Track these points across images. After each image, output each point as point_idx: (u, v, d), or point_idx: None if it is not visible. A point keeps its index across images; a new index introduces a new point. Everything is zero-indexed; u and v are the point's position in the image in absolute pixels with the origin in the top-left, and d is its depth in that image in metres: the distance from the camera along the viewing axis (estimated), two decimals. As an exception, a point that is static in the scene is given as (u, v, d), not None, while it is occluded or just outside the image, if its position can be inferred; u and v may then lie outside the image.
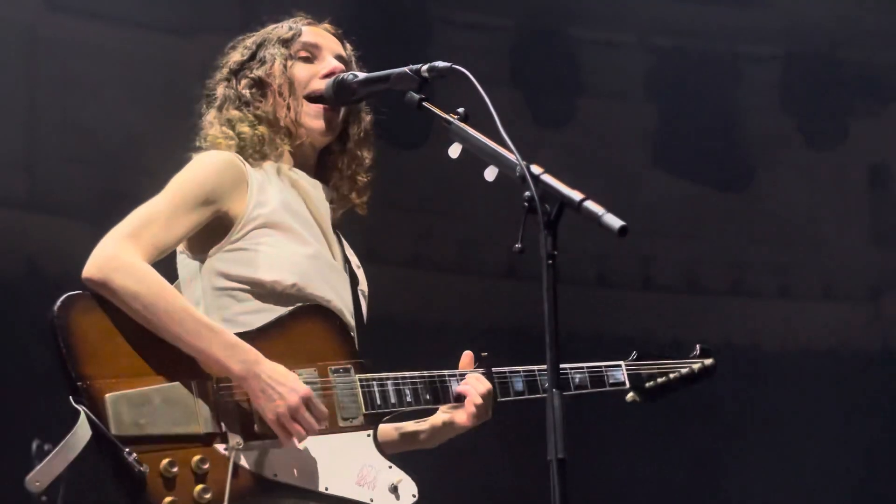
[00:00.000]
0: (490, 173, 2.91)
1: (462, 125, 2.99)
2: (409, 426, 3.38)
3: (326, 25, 3.42)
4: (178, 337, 3.00)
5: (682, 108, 9.67)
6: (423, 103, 3.06)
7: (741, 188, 10.31)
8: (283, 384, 2.99)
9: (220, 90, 3.34)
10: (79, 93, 8.82)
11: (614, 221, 2.61)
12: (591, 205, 2.65)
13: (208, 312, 3.16)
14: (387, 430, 3.36)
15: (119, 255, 3.04)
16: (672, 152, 9.85)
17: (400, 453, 3.33)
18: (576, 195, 2.67)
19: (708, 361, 3.77)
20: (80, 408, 2.96)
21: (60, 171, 8.80)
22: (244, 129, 3.24)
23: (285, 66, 3.29)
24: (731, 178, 10.07)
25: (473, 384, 3.25)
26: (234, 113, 3.28)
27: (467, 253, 10.08)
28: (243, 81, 3.30)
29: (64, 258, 8.50)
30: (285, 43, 3.32)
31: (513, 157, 2.80)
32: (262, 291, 3.15)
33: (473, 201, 9.98)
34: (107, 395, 2.96)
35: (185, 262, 3.24)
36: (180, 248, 3.24)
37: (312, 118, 3.29)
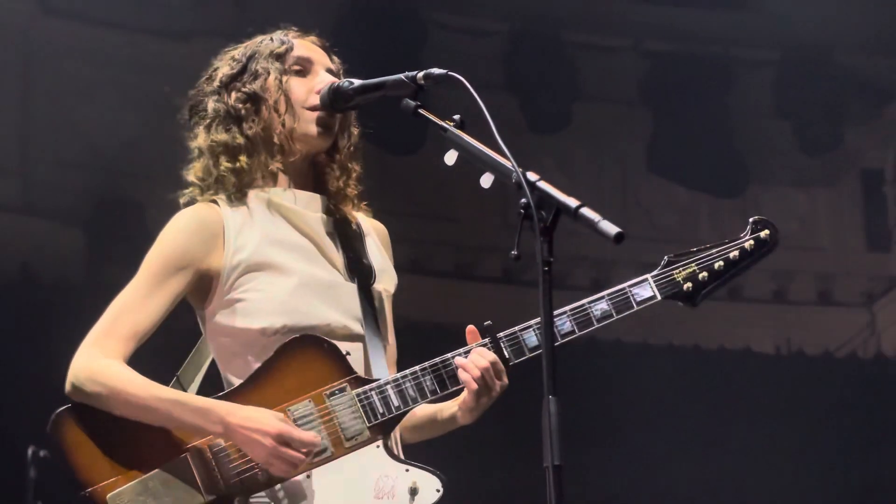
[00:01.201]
0: (486, 180, 2.89)
1: (458, 132, 2.96)
2: (444, 408, 3.33)
3: (314, 38, 3.39)
4: (154, 420, 3.09)
5: (676, 114, 9.68)
6: (419, 110, 3.04)
7: (736, 193, 10.33)
8: (255, 429, 3.01)
9: (210, 105, 3.29)
10: (73, 97, 8.82)
11: (610, 228, 2.59)
12: (587, 211, 2.63)
13: (225, 370, 3.23)
14: (430, 412, 3.31)
15: (87, 364, 3.11)
16: (667, 157, 9.86)
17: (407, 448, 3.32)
18: (572, 202, 2.65)
19: (764, 233, 3.19)
20: None
21: (54, 175, 8.80)
22: (225, 164, 3.21)
23: (281, 81, 3.26)
24: (726, 183, 10.08)
25: (473, 360, 3.19)
26: (222, 136, 3.23)
27: (463, 259, 10.09)
28: (234, 95, 3.25)
29: (58, 262, 8.54)
30: (279, 57, 3.28)
31: (509, 163, 2.78)
32: (258, 339, 3.15)
33: (469, 208, 9.99)
34: (108, 497, 3.06)
35: (199, 320, 3.29)
36: (195, 306, 3.27)
37: (308, 123, 3.25)
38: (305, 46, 3.34)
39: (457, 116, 3.00)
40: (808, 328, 10.48)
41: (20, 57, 8.81)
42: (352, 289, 3.25)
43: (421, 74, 3.04)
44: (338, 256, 3.26)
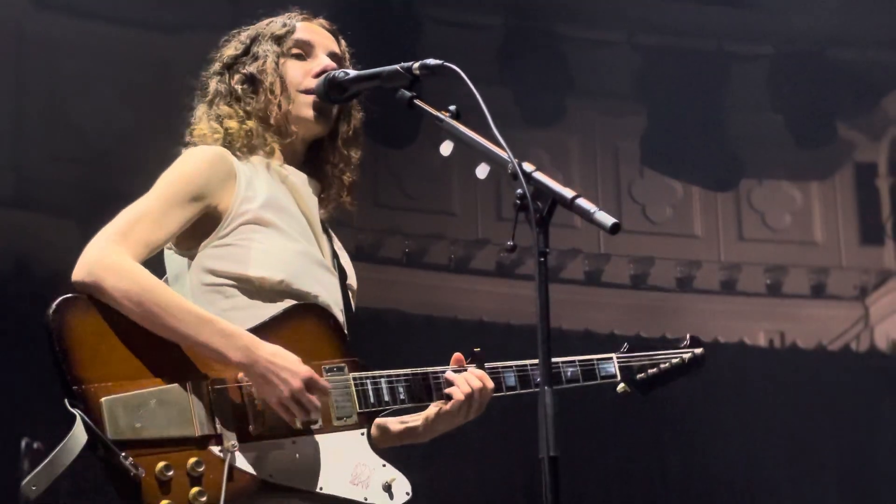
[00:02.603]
0: (482, 171, 2.89)
1: (454, 123, 2.97)
2: (404, 420, 3.36)
3: (322, 21, 3.40)
4: (174, 330, 2.99)
5: (670, 108, 9.67)
6: (415, 101, 3.05)
7: (730, 187, 10.34)
8: (284, 368, 2.98)
9: (213, 84, 3.32)
10: (67, 91, 8.81)
11: (606, 219, 2.60)
12: (582, 202, 2.64)
13: (201, 307, 3.15)
14: (381, 424, 3.35)
15: (107, 256, 3.00)
16: (661, 151, 9.86)
17: (392, 450, 3.33)
18: (568, 192, 2.66)
19: (698, 351, 3.71)
20: (76, 412, 2.93)
21: (49, 169, 8.79)
22: (232, 124, 3.22)
23: (277, 64, 3.27)
24: (720, 177, 10.08)
25: (467, 379, 3.23)
26: (224, 108, 3.26)
27: (457, 252, 10.09)
28: (235, 77, 3.28)
29: (53, 256, 8.52)
30: (278, 40, 3.29)
31: (505, 154, 2.79)
32: (250, 287, 3.13)
33: (463, 201, 9.99)
34: (103, 399, 2.93)
35: (172, 259, 3.22)
36: (168, 244, 3.23)
37: (303, 107, 3.27)
38: (308, 29, 3.35)
39: (452, 107, 3.00)
40: (802, 322, 10.49)
41: (13, 51, 8.80)
42: (336, 277, 3.28)
43: (417, 65, 3.04)
44: (325, 243, 3.29)
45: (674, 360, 3.69)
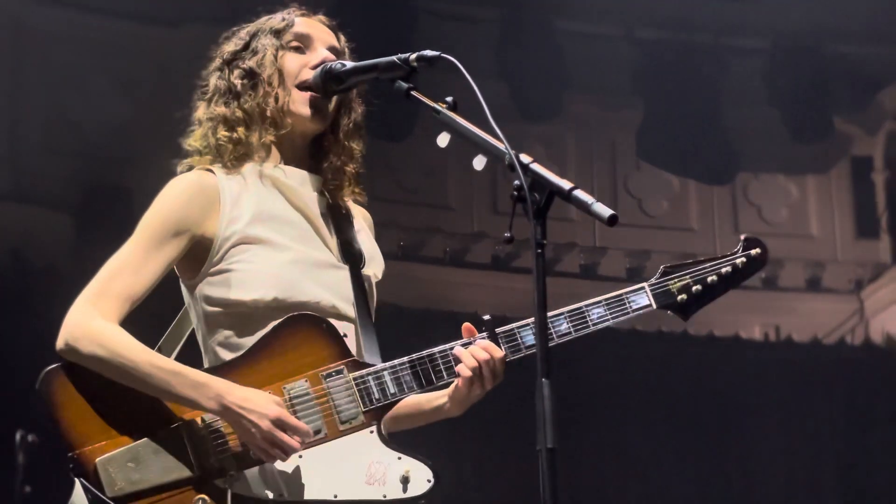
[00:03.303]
0: (479, 162, 2.88)
1: (451, 114, 2.97)
2: (435, 397, 3.33)
3: (321, 17, 3.40)
4: (149, 389, 3.04)
5: (667, 102, 9.67)
6: (412, 92, 3.04)
7: (726, 180, 10.33)
8: (252, 411, 2.98)
9: (213, 81, 3.31)
10: (63, 84, 8.80)
11: (603, 210, 2.60)
12: (580, 194, 2.63)
13: (206, 339, 3.20)
14: (415, 402, 3.31)
15: (82, 323, 3.06)
16: (657, 145, 9.86)
17: (401, 436, 3.31)
18: (565, 184, 2.65)
19: (755, 252, 3.27)
20: (75, 478, 3.01)
21: (44, 162, 8.77)
22: (223, 133, 3.22)
23: (275, 57, 3.27)
24: (716, 171, 10.08)
25: (473, 353, 3.19)
26: (221, 109, 3.25)
27: (453, 245, 10.08)
28: (235, 72, 3.27)
29: (48, 250, 8.52)
30: (277, 33, 3.29)
31: (502, 145, 2.78)
32: (246, 311, 3.13)
33: (459, 195, 9.99)
34: (97, 461, 3.00)
35: (183, 290, 3.26)
36: (180, 275, 3.25)
37: (300, 104, 3.26)
38: (307, 24, 3.35)
39: (449, 99, 3.00)
40: (797, 315, 10.49)
41: (9, 43, 8.78)
42: (344, 271, 3.25)
43: (413, 56, 3.04)
44: (329, 238, 3.27)
45: (723, 270, 3.29)
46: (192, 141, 3.27)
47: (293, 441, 3.01)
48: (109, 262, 3.14)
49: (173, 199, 3.17)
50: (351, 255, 3.27)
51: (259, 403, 3.01)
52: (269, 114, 3.25)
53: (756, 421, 9.44)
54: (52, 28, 8.81)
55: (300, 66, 3.28)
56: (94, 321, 3.07)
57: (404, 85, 3.04)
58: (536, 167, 2.71)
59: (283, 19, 3.34)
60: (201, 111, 3.29)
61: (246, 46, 3.31)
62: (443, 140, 2.98)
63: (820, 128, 10.04)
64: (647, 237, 10.36)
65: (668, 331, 9.43)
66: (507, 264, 9.48)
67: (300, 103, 3.26)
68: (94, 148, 8.65)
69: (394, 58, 3.06)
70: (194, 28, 8.17)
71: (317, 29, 3.35)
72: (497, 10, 9.66)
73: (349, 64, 3.23)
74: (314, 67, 3.26)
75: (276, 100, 3.24)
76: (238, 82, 3.27)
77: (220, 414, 3.02)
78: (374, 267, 3.32)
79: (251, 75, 3.27)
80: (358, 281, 3.25)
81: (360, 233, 3.34)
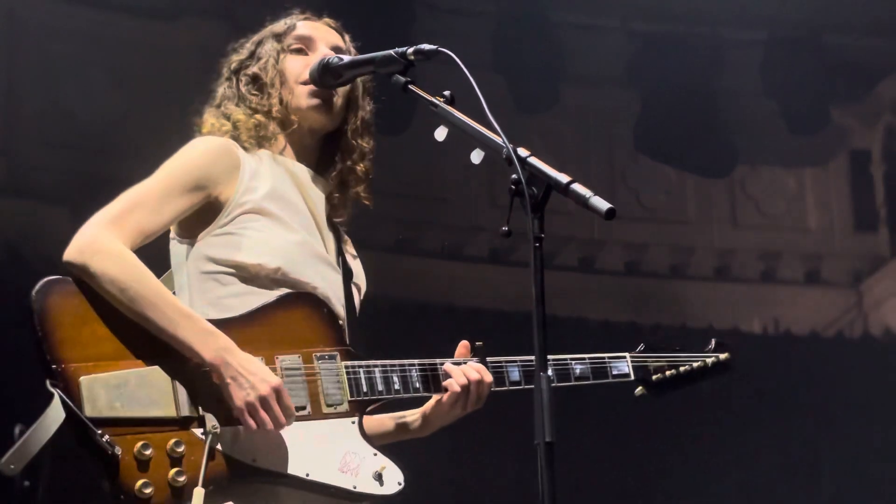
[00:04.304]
0: (476, 156, 2.90)
1: (448, 108, 2.98)
2: (401, 415, 3.37)
3: (326, 20, 3.44)
4: (152, 322, 3.00)
5: (664, 93, 9.66)
6: (409, 86, 3.06)
7: (723, 173, 10.32)
8: (254, 374, 2.99)
9: (221, 90, 3.37)
10: (59, 76, 8.78)
11: (601, 204, 2.61)
12: (578, 187, 2.65)
13: (193, 296, 3.18)
14: (378, 419, 3.35)
15: (99, 240, 3.03)
16: (654, 137, 9.85)
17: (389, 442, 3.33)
18: (563, 177, 2.66)
19: (723, 356, 3.64)
20: (55, 390, 2.95)
21: (40, 155, 8.76)
22: (240, 116, 3.26)
23: (277, 59, 3.31)
24: (714, 163, 10.07)
25: (465, 371, 3.24)
26: (231, 108, 3.31)
27: (450, 239, 10.08)
28: (243, 79, 3.33)
29: (44, 243, 8.49)
30: (278, 37, 3.35)
31: (499, 139, 2.79)
32: (247, 275, 3.15)
33: (457, 188, 9.98)
34: (82, 378, 2.96)
35: (175, 247, 3.25)
36: (171, 233, 3.24)
37: (302, 98, 3.30)
38: (309, 26, 3.40)
39: (447, 92, 3.02)
40: (796, 308, 10.49)
41: (5, 36, 8.76)
42: (338, 273, 3.29)
43: (411, 50, 3.06)
44: (331, 240, 3.31)
45: (695, 364, 3.61)
46: (208, 125, 3.30)
47: (282, 417, 3.00)
48: (128, 193, 3.13)
49: (200, 154, 3.20)
50: (343, 264, 3.32)
51: (263, 370, 3.03)
52: (275, 114, 3.29)
53: (754, 414, 9.43)
54: (48, 21, 8.79)
55: (302, 67, 3.32)
56: (113, 242, 3.04)
57: (402, 79, 3.07)
58: (534, 161, 2.72)
59: (286, 24, 3.39)
60: (210, 113, 3.32)
61: (251, 55, 3.36)
62: (440, 134, 2.99)
63: (818, 120, 10.02)
64: (645, 230, 10.36)
65: (668, 324, 9.43)
66: (506, 257, 9.48)
67: (302, 97, 3.31)
68: (91, 141, 8.63)
69: (391, 52, 3.08)
70: (191, 21, 8.17)
71: (319, 30, 3.39)
72: (494, 3, 9.65)
73: (346, 58, 3.26)
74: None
75: (281, 100, 3.29)
76: (245, 88, 3.31)
77: (216, 367, 3.01)
78: (361, 282, 3.38)
79: (255, 80, 3.32)
80: (348, 289, 3.29)
81: (347, 246, 3.40)
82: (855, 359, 9.96)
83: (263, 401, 3.00)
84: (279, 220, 3.20)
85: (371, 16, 8.26)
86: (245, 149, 3.26)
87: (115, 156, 8.46)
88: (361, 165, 3.38)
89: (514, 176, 2.68)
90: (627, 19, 9.93)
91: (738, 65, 9.82)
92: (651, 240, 10.35)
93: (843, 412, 9.58)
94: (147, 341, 3.03)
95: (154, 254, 3.20)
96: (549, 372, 3.19)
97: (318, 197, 3.32)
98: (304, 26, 3.39)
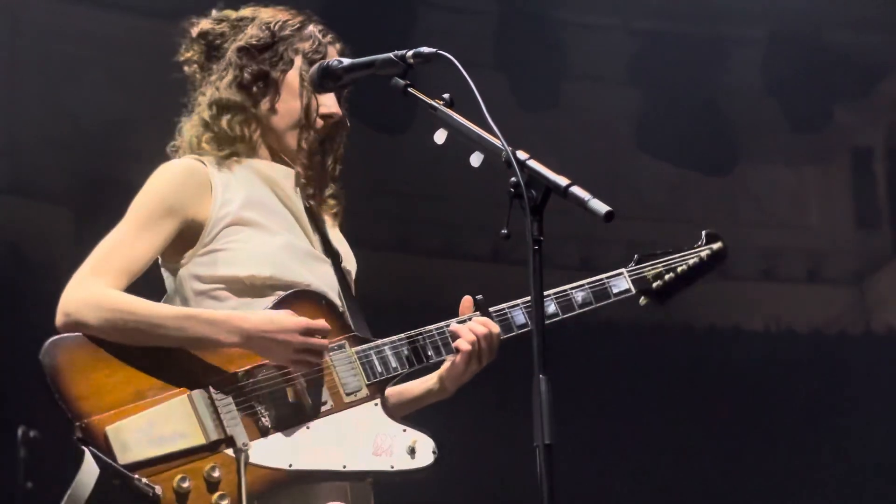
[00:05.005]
0: (475, 159, 2.91)
1: (447, 111, 2.98)
2: (422, 381, 3.39)
3: (335, 42, 3.40)
4: (163, 338, 3.05)
5: (665, 92, 9.67)
6: (409, 89, 3.06)
7: (725, 171, 10.32)
8: (278, 331, 3.04)
9: (229, 56, 3.31)
10: (61, 77, 8.79)
11: (600, 206, 2.61)
12: (577, 190, 2.65)
13: None
14: (399, 392, 3.37)
15: (79, 292, 3.07)
16: (656, 136, 9.86)
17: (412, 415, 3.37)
18: (562, 180, 2.67)
19: (716, 245, 3.56)
20: (84, 448, 2.99)
21: (43, 155, 8.77)
22: (224, 124, 3.25)
23: (304, 89, 3.28)
24: (715, 162, 10.08)
25: (471, 328, 3.26)
26: (234, 96, 3.26)
27: (452, 237, 10.09)
28: (254, 67, 3.29)
29: (47, 243, 8.52)
30: (311, 61, 3.29)
31: (498, 142, 2.79)
32: (241, 287, 3.17)
33: (458, 187, 9.99)
34: (107, 429, 3.00)
35: (166, 277, 3.28)
36: (160, 261, 3.26)
37: (300, 141, 3.30)
38: (330, 54, 3.36)
39: (446, 95, 3.02)
40: (798, 306, 10.50)
41: (8, 37, 8.78)
42: (327, 263, 3.30)
43: (410, 53, 3.05)
44: (312, 233, 3.32)
45: (691, 261, 3.56)
46: (187, 131, 3.30)
47: (322, 341, 3.08)
48: (104, 241, 3.17)
49: (166, 182, 3.21)
50: (330, 251, 3.34)
51: (280, 322, 3.07)
52: (273, 125, 3.29)
53: (757, 412, 9.44)
54: (50, 21, 8.80)
55: (315, 110, 3.32)
56: (92, 288, 3.07)
57: (401, 82, 3.07)
58: (533, 164, 2.73)
59: (316, 43, 3.34)
60: (210, 91, 3.30)
61: (268, 46, 3.32)
62: (440, 137, 3.00)
63: (820, 118, 10.03)
64: (646, 229, 10.35)
65: (669, 323, 9.44)
66: (507, 257, 9.48)
67: (301, 140, 3.30)
68: (93, 141, 8.65)
69: (391, 55, 3.08)
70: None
71: (333, 55, 3.36)
72: (495, 2, 9.66)
73: (346, 61, 3.25)
74: (323, 116, 3.30)
75: (283, 125, 3.29)
76: (252, 80, 3.29)
77: (243, 345, 3.06)
78: (350, 264, 3.40)
79: (269, 82, 3.30)
80: (340, 273, 3.32)
81: (333, 230, 3.41)
82: (857, 356, 9.96)
83: (300, 346, 3.05)
84: (260, 226, 3.21)
85: (372, 15, 8.28)
86: (218, 156, 3.26)
87: (116, 156, 8.48)
88: (331, 188, 3.41)
89: (512, 179, 2.69)
90: (629, 18, 9.93)
91: (739, 63, 9.82)
92: (653, 239, 10.33)
93: (846, 409, 9.59)
94: (162, 375, 3.08)
95: (149, 281, 3.24)
96: (553, 308, 3.26)
97: (294, 192, 3.33)
98: (330, 50, 3.36)
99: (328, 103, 3.32)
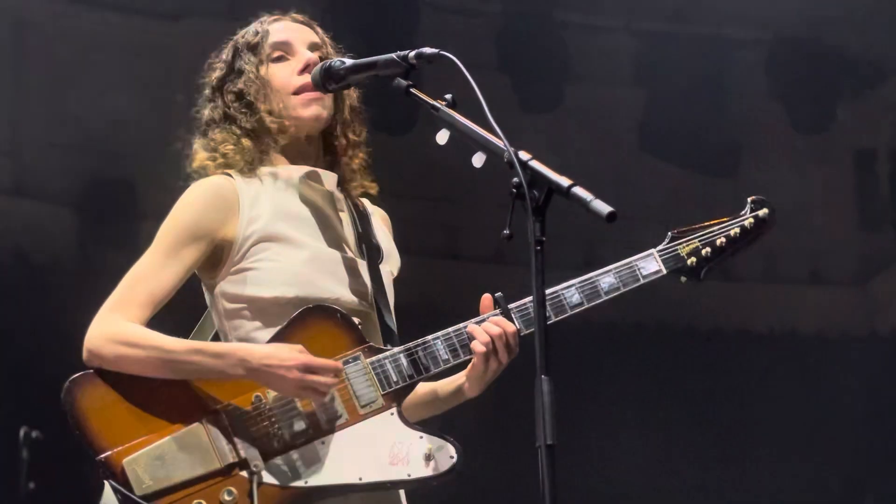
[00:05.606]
0: (478, 159, 2.91)
1: (450, 111, 2.99)
2: (452, 381, 3.39)
3: (294, 15, 3.43)
4: (177, 371, 3.12)
5: (668, 93, 9.66)
6: (411, 90, 3.07)
7: (728, 173, 10.32)
8: (277, 366, 3.06)
9: (206, 112, 3.39)
10: (64, 78, 8.79)
11: (603, 207, 2.62)
12: (579, 190, 2.66)
13: (227, 335, 3.29)
14: (429, 391, 3.37)
15: (101, 328, 3.16)
16: (659, 137, 9.86)
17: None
18: (564, 181, 2.68)
19: (762, 212, 3.37)
20: (105, 481, 3.09)
21: (46, 156, 8.78)
22: (228, 148, 3.27)
23: (258, 73, 3.31)
24: (718, 163, 10.07)
25: (486, 328, 3.25)
26: (218, 135, 3.32)
27: (454, 238, 10.08)
28: (227, 97, 3.34)
29: (51, 244, 8.52)
30: (254, 49, 3.34)
31: (501, 143, 2.80)
32: (268, 307, 3.20)
33: (460, 188, 9.99)
34: (124, 461, 3.09)
35: (205, 291, 3.36)
36: (200, 276, 3.31)
37: (300, 109, 3.30)
38: (281, 29, 3.38)
39: (448, 96, 3.03)
40: (801, 308, 10.48)
41: (11, 37, 8.78)
42: (361, 265, 3.31)
43: (412, 54, 3.06)
44: (346, 233, 3.33)
45: (732, 232, 3.36)
46: (199, 161, 3.32)
47: (325, 379, 3.09)
48: (131, 272, 3.26)
49: (192, 205, 3.24)
50: (368, 250, 3.34)
51: (281, 357, 3.09)
52: (268, 125, 3.30)
53: (760, 414, 9.43)
54: (53, 22, 8.81)
55: (288, 76, 3.32)
56: (115, 324, 3.17)
57: (403, 82, 3.07)
58: (535, 164, 2.74)
59: (257, 32, 3.39)
60: (198, 143, 3.34)
61: (231, 69, 3.36)
62: (442, 137, 3.01)
63: (822, 119, 10.02)
64: (649, 229, 10.34)
65: (670, 323, 9.43)
66: (510, 258, 9.48)
67: (300, 108, 3.31)
68: (96, 142, 8.65)
69: (393, 55, 3.09)
70: (194, 22, 8.18)
71: (292, 31, 3.38)
72: (499, 2, 9.66)
73: (349, 61, 3.26)
74: (301, 72, 3.29)
75: (271, 112, 3.29)
76: (231, 107, 3.32)
77: (248, 377, 3.11)
78: (392, 264, 3.40)
79: (241, 96, 3.33)
80: (375, 274, 3.31)
81: (378, 231, 3.40)
82: (861, 358, 9.95)
83: (299, 383, 3.07)
84: (287, 240, 3.24)
85: (375, 15, 8.28)
86: (242, 172, 3.28)
87: (119, 156, 8.48)
88: (357, 159, 3.40)
89: (515, 179, 2.69)
90: (632, 19, 9.93)
91: (742, 64, 9.82)
92: (655, 239, 10.33)
93: (850, 410, 9.58)
94: (175, 404, 3.14)
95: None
96: (578, 297, 3.18)
97: (322, 194, 3.34)
98: (278, 31, 3.38)
99: (285, 73, 3.32)
